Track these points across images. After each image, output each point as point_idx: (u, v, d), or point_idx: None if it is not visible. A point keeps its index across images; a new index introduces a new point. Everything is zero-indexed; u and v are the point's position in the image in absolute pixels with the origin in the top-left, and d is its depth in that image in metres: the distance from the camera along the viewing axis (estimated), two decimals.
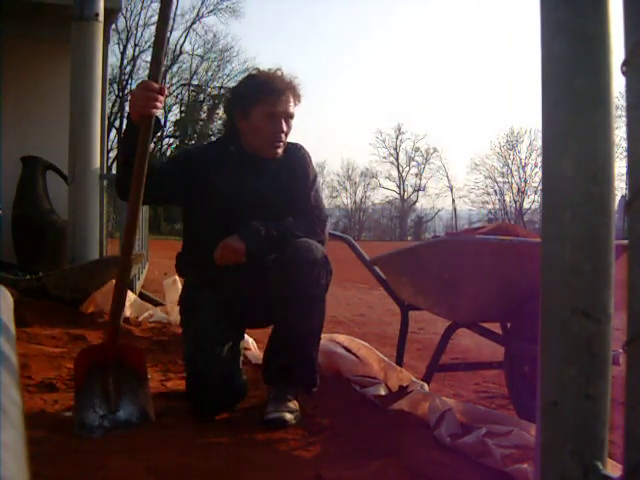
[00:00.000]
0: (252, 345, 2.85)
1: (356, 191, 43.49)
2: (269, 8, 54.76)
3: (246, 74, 2.25)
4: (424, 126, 62.24)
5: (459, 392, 2.65)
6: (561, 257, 0.84)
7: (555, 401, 0.84)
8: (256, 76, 2.15)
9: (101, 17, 4.23)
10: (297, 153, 2.20)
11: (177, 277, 3.69)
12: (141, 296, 4.30)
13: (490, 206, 39.99)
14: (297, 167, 2.18)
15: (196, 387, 1.99)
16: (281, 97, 2.07)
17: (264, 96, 2.05)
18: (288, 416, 1.92)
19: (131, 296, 3.96)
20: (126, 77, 31.36)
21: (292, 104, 2.11)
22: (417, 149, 42.02)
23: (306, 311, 1.98)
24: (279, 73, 2.13)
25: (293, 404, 1.99)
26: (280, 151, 2.13)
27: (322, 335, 2.79)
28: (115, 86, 29.65)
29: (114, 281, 3.82)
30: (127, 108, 2.05)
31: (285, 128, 2.09)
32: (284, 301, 1.99)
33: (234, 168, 2.12)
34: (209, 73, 32.91)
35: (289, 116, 2.10)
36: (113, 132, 28.87)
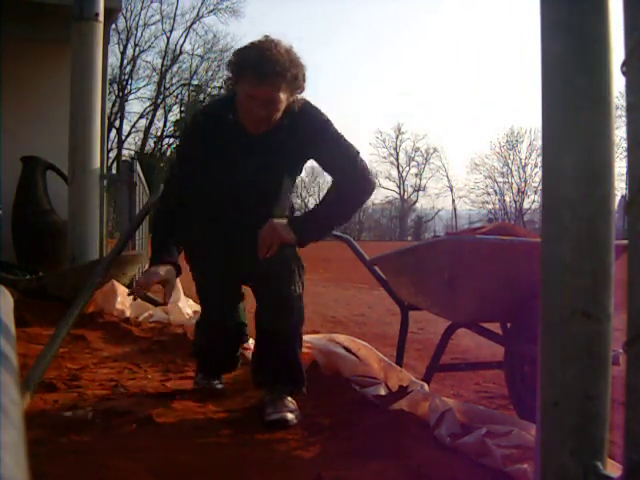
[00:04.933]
0: (252, 345, 2.84)
1: None
2: (269, 8, 54.80)
3: (249, 42, 2.05)
4: (424, 126, 62.30)
5: (459, 392, 2.64)
6: (561, 257, 0.84)
7: (555, 401, 0.84)
8: (251, 49, 1.98)
9: (101, 17, 4.24)
10: (303, 120, 2.05)
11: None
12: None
13: (490, 206, 40.02)
14: (306, 139, 2.05)
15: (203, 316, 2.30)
16: (264, 82, 1.91)
17: (248, 75, 1.94)
18: (290, 416, 1.92)
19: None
20: (126, 77, 31.37)
21: (277, 89, 1.93)
22: (417, 149, 42.05)
23: (284, 311, 1.99)
24: (275, 51, 1.93)
25: (292, 403, 1.99)
26: (264, 129, 2.01)
27: (322, 335, 2.81)
28: (115, 86, 29.64)
29: (114, 281, 3.83)
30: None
31: (264, 112, 1.96)
32: (262, 303, 2.03)
33: (227, 142, 2.08)
34: (209, 73, 32.91)
35: (271, 101, 1.95)
36: (113, 132, 28.89)
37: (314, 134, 2.06)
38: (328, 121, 2.10)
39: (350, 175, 2.04)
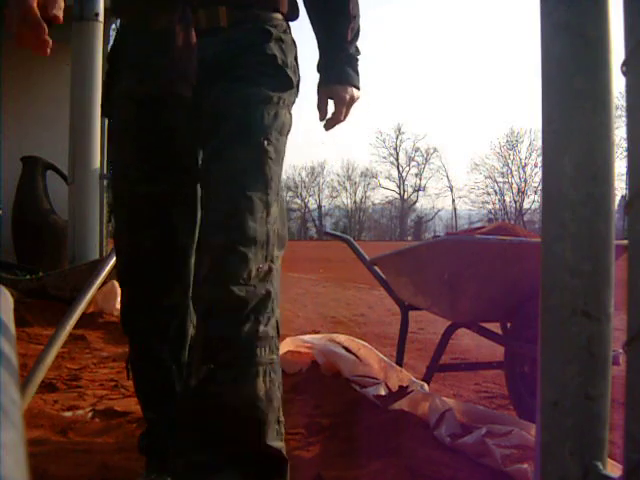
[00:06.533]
0: None
1: (356, 191, 43.56)
2: None
3: None
4: (424, 126, 62.36)
5: (459, 392, 2.65)
6: (561, 257, 0.84)
7: (555, 401, 0.84)
8: None
9: (101, 17, 4.24)
10: None
11: None
12: None
13: (490, 206, 40.10)
14: None
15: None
16: None
17: None
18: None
19: None
20: None
21: None
22: (417, 149, 42.12)
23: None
24: None
25: None
26: None
27: (322, 335, 2.80)
28: None
29: (115, 281, 3.83)
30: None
31: None
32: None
33: None
34: None
35: None
36: None
37: None
38: None
39: None
